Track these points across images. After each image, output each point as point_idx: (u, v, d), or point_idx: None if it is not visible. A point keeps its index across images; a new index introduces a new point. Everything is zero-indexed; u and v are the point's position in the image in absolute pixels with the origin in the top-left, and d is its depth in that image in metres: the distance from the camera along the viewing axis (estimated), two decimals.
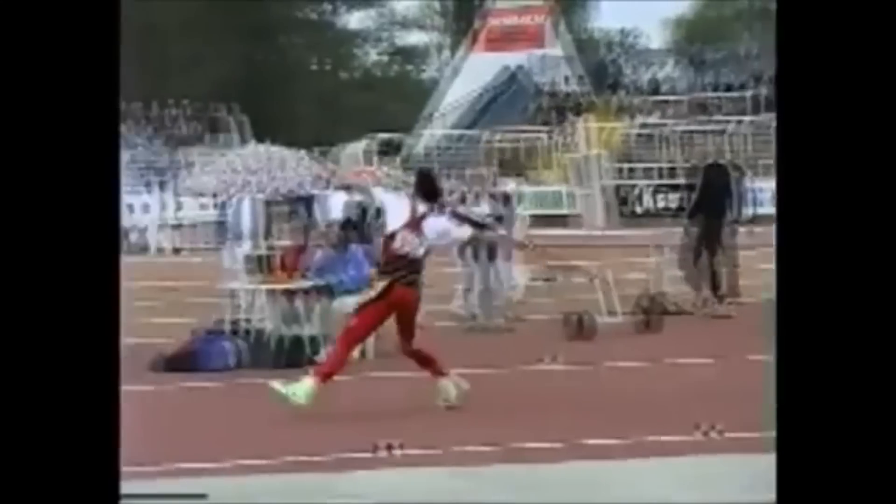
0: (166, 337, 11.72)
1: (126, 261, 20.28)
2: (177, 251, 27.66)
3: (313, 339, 10.89)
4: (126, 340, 10.96)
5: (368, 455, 7.07)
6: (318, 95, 66.39)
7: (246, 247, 13.24)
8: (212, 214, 33.43)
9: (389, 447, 7.12)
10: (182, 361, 10.72)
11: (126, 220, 29.82)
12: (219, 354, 10.74)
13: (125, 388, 9.26)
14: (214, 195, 13.76)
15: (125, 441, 5.73)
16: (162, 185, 31.01)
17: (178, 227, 28.86)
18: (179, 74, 59.44)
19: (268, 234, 13.82)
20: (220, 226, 14.60)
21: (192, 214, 32.60)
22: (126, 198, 33.57)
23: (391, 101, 65.07)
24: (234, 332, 11.16)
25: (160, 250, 27.72)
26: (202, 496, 6.11)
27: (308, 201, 20.10)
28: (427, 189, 8.93)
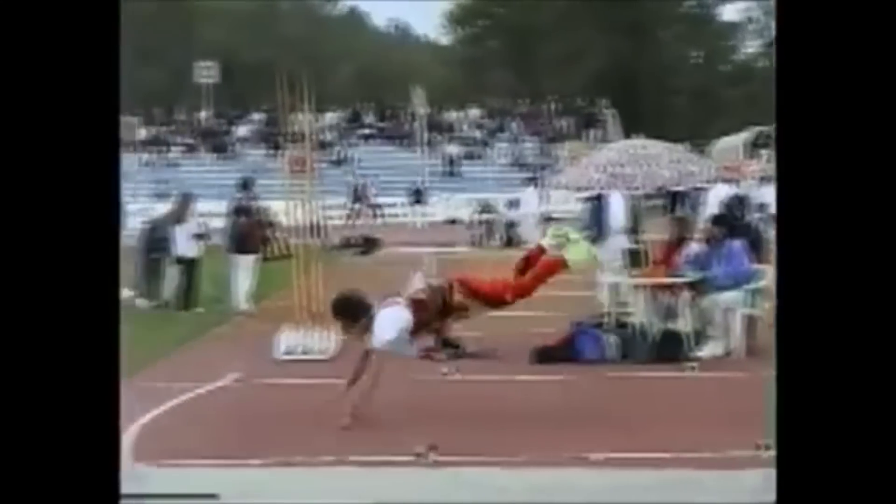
0: (542, 329, 12.02)
1: (502, 254, 20.87)
2: None
3: (688, 335, 10.83)
4: (502, 332, 11.44)
5: (740, 453, 6.95)
6: (694, 89, 65.58)
7: (621, 241, 13.31)
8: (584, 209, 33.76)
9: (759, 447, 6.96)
10: (559, 353, 10.97)
11: (504, 215, 30.75)
12: (594, 347, 10.90)
13: (499, 377, 9.58)
14: (586, 189, 13.91)
15: (507, 425, 5.85)
16: (536, 181, 31.67)
17: (548, 220, 29.38)
18: (558, 71, 60.58)
19: (640, 229, 13.84)
20: (586, 219, 14.75)
21: (564, 208, 33.09)
22: (503, 194, 34.65)
23: (770, 93, 63.22)
24: (615, 325, 11.29)
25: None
26: (213, 496, 6.15)
27: (682, 195, 19.91)
28: (346, 314, 8.53)
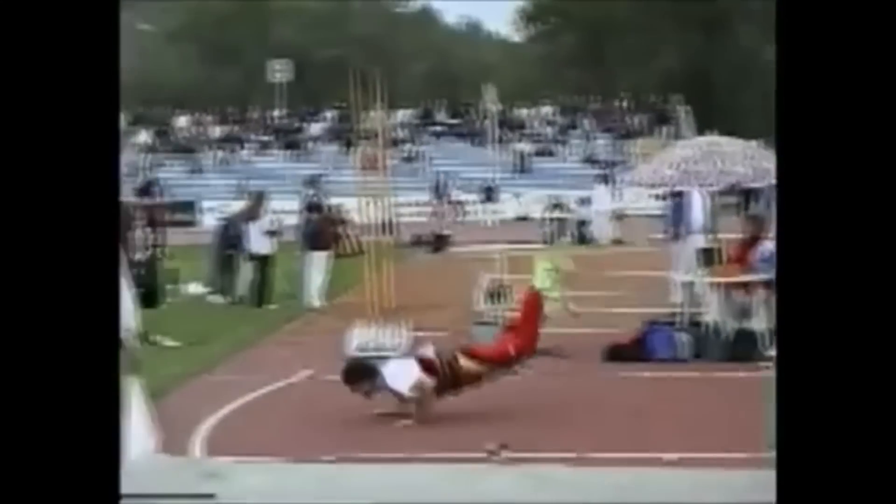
0: (611, 327, 11.95)
1: (573, 252, 20.75)
2: (618, 242, 28.04)
3: (763, 333, 10.69)
4: (573, 330, 11.38)
5: None
6: (768, 85, 64.74)
7: (695, 239, 13.17)
8: (656, 206, 33.44)
9: None
10: (631, 351, 10.90)
11: (575, 212, 30.64)
12: (667, 345, 10.81)
13: (571, 376, 9.53)
14: (658, 187, 13.77)
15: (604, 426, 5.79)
16: (608, 178, 31.50)
17: (620, 218, 29.21)
18: (631, 68, 60.15)
19: (714, 227, 13.68)
20: (667, 217, 14.62)
21: (637, 206, 32.84)
22: (574, 191, 34.52)
23: None
24: (687, 323, 11.19)
25: (618, 242, 28.17)
26: (210, 496, 6.15)
27: (756, 193, 19.65)
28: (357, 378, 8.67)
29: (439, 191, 42.03)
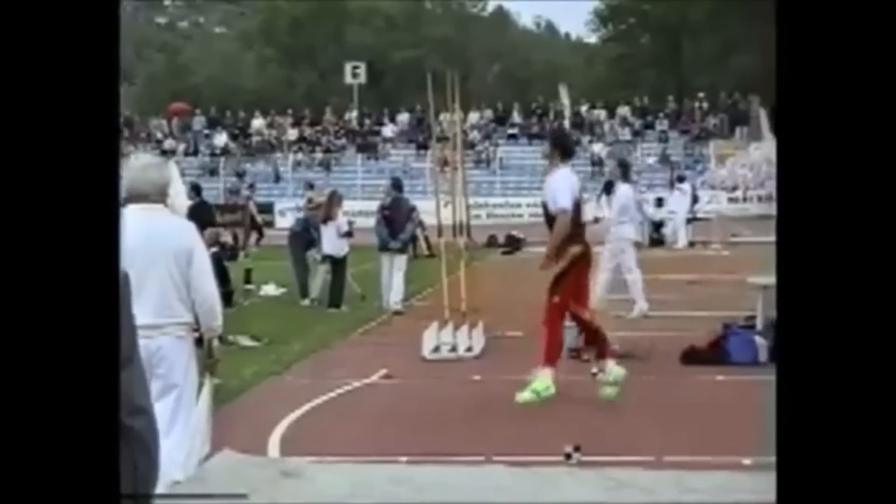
0: (688, 330, 11.84)
1: (648, 255, 20.58)
2: (692, 245, 27.79)
3: None
4: (648, 333, 11.29)
5: None
6: None
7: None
8: (733, 208, 33.05)
9: None
10: (708, 354, 10.79)
11: (650, 214, 30.42)
12: (745, 349, 10.68)
13: (649, 377, 9.46)
14: (734, 189, 13.63)
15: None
16: (683, 180, 31.17)
17: (691, 220, 28.93)
18: (708, 68, 59.66)
19: None
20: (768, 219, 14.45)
21: (713, 207, 32.53)
22: (650, 193, 34.27)
23: None
24: (767, 327, 11.04)
25: (691, 244, 27.92)
26: (242, 496, 6.14)
27: None
28: (563, 146, 9.53)
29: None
